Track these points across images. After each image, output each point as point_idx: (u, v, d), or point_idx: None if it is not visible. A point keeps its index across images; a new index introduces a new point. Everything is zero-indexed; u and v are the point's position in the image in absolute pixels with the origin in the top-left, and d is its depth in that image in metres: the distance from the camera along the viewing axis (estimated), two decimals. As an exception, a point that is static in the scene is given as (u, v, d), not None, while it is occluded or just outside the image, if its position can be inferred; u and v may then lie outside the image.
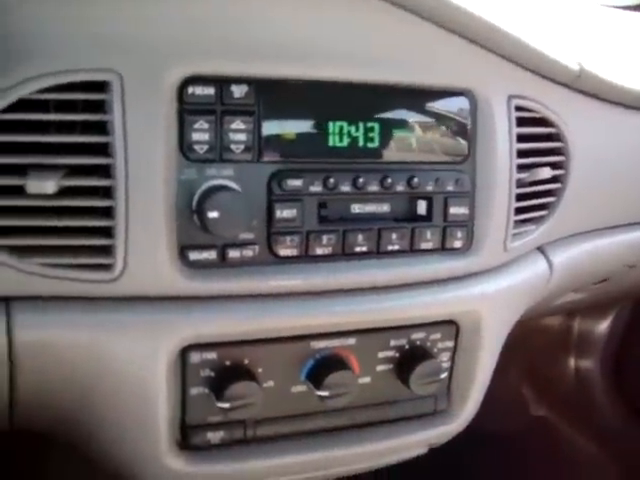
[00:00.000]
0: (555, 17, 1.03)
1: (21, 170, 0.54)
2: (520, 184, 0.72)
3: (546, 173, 0.74)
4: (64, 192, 0.55)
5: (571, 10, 1.14)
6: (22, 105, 0.53)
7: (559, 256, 0.83)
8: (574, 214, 0.82)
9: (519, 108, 0.71)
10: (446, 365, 0.73)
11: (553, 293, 0.89)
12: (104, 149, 0.56)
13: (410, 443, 0.74)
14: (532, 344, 1.54)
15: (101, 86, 0.55)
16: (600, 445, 1.46)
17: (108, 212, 0.56)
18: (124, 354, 0.59)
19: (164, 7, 0.57)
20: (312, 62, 0.61)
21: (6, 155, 0.54)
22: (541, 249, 0.81)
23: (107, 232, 0.57)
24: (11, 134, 0.54)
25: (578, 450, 1.47)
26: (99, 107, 0.55)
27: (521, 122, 0.72)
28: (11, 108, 0.53)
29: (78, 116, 0.55)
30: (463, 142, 0.68)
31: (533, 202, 0.75)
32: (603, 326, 1.51)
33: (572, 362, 1.55)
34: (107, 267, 0.57)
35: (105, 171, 0.56)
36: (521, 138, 0.72)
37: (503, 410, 1.49)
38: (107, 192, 0.56)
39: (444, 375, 0.72)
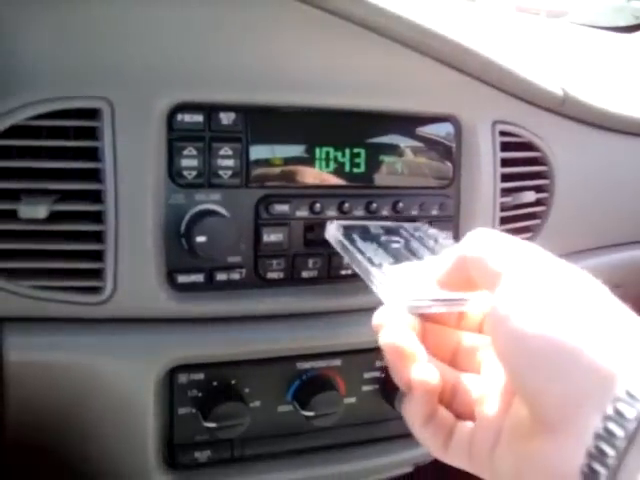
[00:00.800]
0: (540, 40, 1.05)
1: (13, 195, 0.55)
2: (504, 207, 0.74)
3: (530, 197, 0.75)
4: (55, 216, 0.56)
5: (556, 32, 1.16)
6: (15, 131, 0.55)
7: (544, 277, 0.84)
8: (559, 236, 0.83)
9: (503, 133, 0.73)
10: (431, 385, 0.74)
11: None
12: (95, 175, 0.57)
13: (396, 462, 0.75)
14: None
15: (92, 113, 0.57)
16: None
17: (98, 236, 0.58)
18: (113, 374, 0.60)
19: (154, 37, 0.58)
20: (298, 90, 0.63)
21: (0, 180, 0.55)
22: (526, 271, 0.82)
23: (97, 256, 0.58)
24: (4, 160, 0.55)
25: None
26: (90, 134, 0.57)
27: (506, 147, 0.73)
28: (4, 134, 0.55)
29: (70, 142, 0.57)
30: (448, 167, 0.70)
31: (517, 225, 0.76)
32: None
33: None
34: (97, 290, 0.58)
35: (95, 196, 0.57)
36: (505, 162, 0.73)
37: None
38: (97, 216, 0.57)
39: (429, 395, 0.73)
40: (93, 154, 0.57)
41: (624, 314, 0.34)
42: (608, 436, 0.30)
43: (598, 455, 0.30)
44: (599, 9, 1.57)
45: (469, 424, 0.40)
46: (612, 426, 0.30)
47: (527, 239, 0.78)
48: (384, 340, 0.42)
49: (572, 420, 0.32)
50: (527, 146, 0.76)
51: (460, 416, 0.41)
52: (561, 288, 0.36)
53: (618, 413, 0.30)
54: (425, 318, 0.44)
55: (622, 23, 1.32)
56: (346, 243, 0.56)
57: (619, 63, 1.09)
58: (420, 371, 0.40)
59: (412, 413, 0.41)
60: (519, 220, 0.77)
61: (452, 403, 0.42)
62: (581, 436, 0.31)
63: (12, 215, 0.55)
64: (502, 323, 0.36)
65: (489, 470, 0.39)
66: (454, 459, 0.41)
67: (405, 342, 0.41)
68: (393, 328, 0.42)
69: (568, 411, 0.32)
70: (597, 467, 0.30)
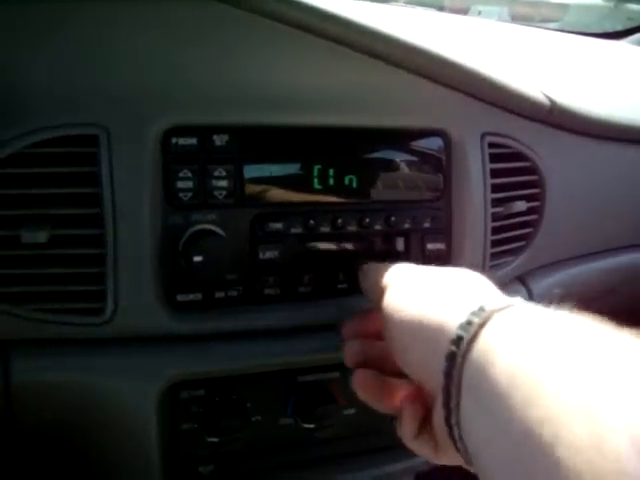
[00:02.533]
0: (528, 48, 1.06)
1: (14, 221, 0.57)
2: (496, 217, 0.75)
3: (521, 206, 0.76)
4: (56, 241, 0.58)
5: (544, 40, 1.17)
6: (15, 159, 0.57)
7: (539, 285, 0.85)
8: (552, 243, 0.84)
9: (493, 145, 0.74)
10: (429, 395, 0.75)
11: (536, 319, 0.91)
12: (93, 199, 0.59)
13: (397, 470, 0.76)
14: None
15: (89, 140, 0.58)
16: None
17: (98, 259, 0.59)
18: (116, 393, 0.62)
19: (146, 64, 0.60)
20: (289, 110, 0.64)
21: (1, 208, 0.57)
22: (521, 279, 0.84)
23: (97, 278, 0.59)
24: (5, 188, 0.57)
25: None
26: (87, 159, 0.59)
27: (495, 158, 0.74)
28: (4, 163, 0.56)
29: (68, 169, 0.58)
30: (438, 180, 0.71)
31: (510, 234, 0.78)
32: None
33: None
34: (98, 311, 0.60)
35: (94, 220, 0.59)
36: (496, 173, 0.74)
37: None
38: (97, 240, 0.59)
39: (427, 404, 0.75)
40: (91, 179, 0.59)
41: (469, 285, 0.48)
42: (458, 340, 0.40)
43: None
44: (588, 15, 1.59)
45: None
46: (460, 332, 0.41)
47: (520, 247, 0.80)
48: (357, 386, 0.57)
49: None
50: (517, 156, 0.77)
51: None
52: (423, 285, 0.50)
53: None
54: None
55: (610, 29, 1.33)
56: None
57: (609, 69, 1.10)
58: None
59: (403, 431, 0.52)
60: (511, 229, 0.78)
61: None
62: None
63: (14, 241, 0.56)
64: (386, 321, 0.51)
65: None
66: (447, 459, 0.49)
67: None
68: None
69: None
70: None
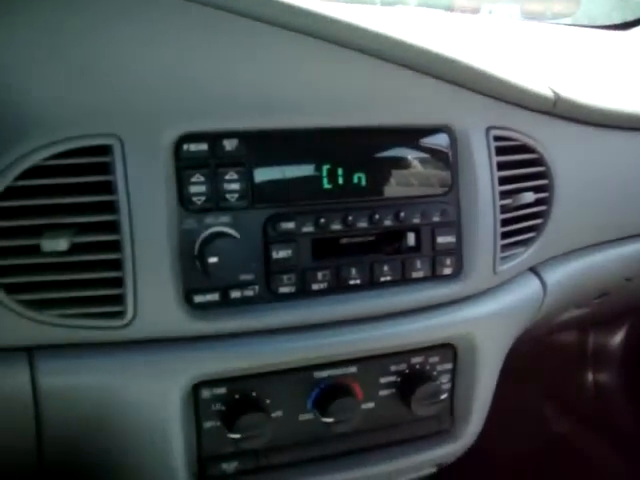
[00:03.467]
0: (532, 41, 1.07)
1: (36, 230, 0.59)
2: (505, 209, 0.76)
3: (530, 197, 0.78)
4: (76, 248, 0.60)
5: (554, 35, 1.18)
6: (34, 171, 0.59)
7: (553, 275, 0.86)
8: (564, 233, 0.85)
9: (498, 138, 0.75)
10: (446, 386, 0.76)
11: (552, 310, 0.92)
12: (110, 207, 0.61)
13: (417, 463, 0.77)
14: (549, 362, 1.56)
15: (104, 150, 0.61)
16: (624, 458, 1.46)
17: (117, 264, 0.61)
18: (139, 394, 0.64)
19: (157, 75, 0.62)
20: (297, 113, 0.66)
21: (22, 218, 0.59)
22: (534, 269, 0.85)
23: (117, 282, 0.62)
24: (26, 199, 0.59)
25: (601, 465, 1.47)
26: (103, 168, 0.61)
27: (502, 151, 0.76)
28: (25, 175, 0.59)
29: (85, 178, 0.60)
30: (446, 175, 0.73)
31: (520, 225, 0.79)
32: (618, 339, 1.52)
33: (590, 376, 1.56)
34: (119, 314, 0.62)
35: (112, 226, 0.61)
36: (502, 166, 0.75)
37: (524, 428, 1.50)
38: (115, 245, 0.61)
39: (444, 396, 0.76)
40: (107, 187, 0.61)
41: None
42: None
43: None
44: (598, 8, 1.60)
45: None
46: None
47: (531, 238, 0.81)
48: None
49: None
50: (523, 149, 0.78)
51: None
52: None
53: None
54: None
55: (617, 20, 1.34)
56: None
57: (616, 60, 1.11)
58: None
59: None
60: (521, 221, 0.79)
61: None
62: None
63: (35, 249, 0.59)
64: None
65: None
66: None
67: None
68: None
69: None
70: None
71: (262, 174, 0.65)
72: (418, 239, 0.72)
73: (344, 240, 0.69)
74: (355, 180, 0.69)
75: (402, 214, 0.70)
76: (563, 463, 1.47)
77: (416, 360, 0.74)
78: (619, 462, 1.47)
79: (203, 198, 0.63)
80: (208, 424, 0.67)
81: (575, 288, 0.91)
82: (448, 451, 0.78)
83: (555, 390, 1.57)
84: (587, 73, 0.95)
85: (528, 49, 1.03)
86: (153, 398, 0.64)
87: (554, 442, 1.53)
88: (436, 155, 0.72)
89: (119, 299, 0.62)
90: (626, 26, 1.35)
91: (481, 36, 1.08)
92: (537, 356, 1.51)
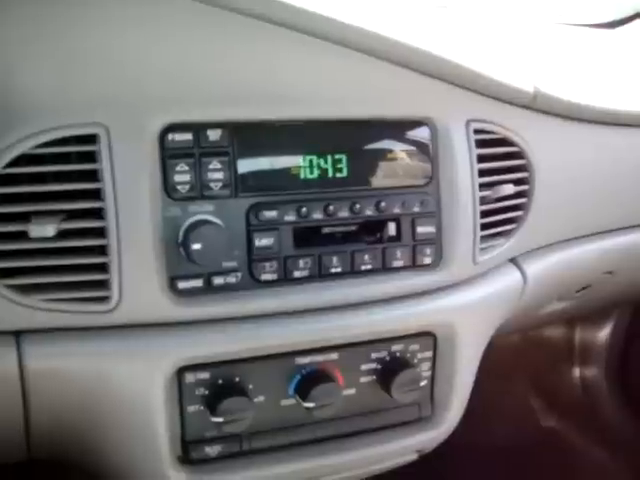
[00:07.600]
0: (518, 37, 1.09)
1: (23, 216, 0.61)
2: (485, 201, 0.78)
3: (509, 189, 0.79)
4: (62, 234, 0.62)
5: (540, 29, 1.20)
6: (22, 160, 0.61)
7: (533, 266, 0.88)
8: (544, 226, 0.87)
9: (478, 131, 0.77)
10: (426, 374, 0.78)
11: (534, 302, 0.94)
12: (96, 194, 0.62)
13: (397, 450, 0.79)
14: (536, 356, 1.58)
15: (90, 139, 0.62)
16: (609, 453, 1.48)
17: (102, 250, 0.63)
18: (123, 378, 0.66)
19: (143, 65, 0.63)
20: (280, 105, 0.68)
21: (10, 204, 0.61)
22: (514, 261, 0.86)
23: (102, 268, 0.63)
24: (14, 186, 0.61)
25: (587, 459, 1.49)
26: (90, 157, 0.62)
27: (482, 143, 0.77)
28: (13, 163, 0.60)
29: (71, 166, 0.62)
30: (426, 166, 0.74)
31: (500, 217, 0.80)
32: (604, 333, 1.54)
33: (577, 371, 1.58)
34: (104, 299, 0.64)
35: (98, 213, 0.63)
36: (482, 158, 0.77)
37: (511, 422, 1.52)
38: (101, 232, 0.63)
39: (424, 383, 0.77)
40: (94, 175, 0.62)
41: None
42: None
43: None
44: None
45: None
46: None
47: (511, 230, 0.83)
48: None
49: None
50: (503, 141, 0.80)
51: None
52: None
53: None
54: None
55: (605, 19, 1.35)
56: None
57: (599, 58, 1.12)
58: None
59: None
60: (501, 212, 0.81)
61: None
62: None
63: (23, 235, 0.60)
64: None
65: None
66: None
67: None
68: None
69: None
70: None
71: (245, 164, 0.67)
72: (398, 229, 0.73)
73: (326, 229, 0.71)
74: (336, 171, 0.70)
75: (383, 204, 0.72)
76: (548, 457, 1.49)
77: (396, 348, 0.76)
78: (604, 455, 1.49)
79: (187, 187, 0.65)
80: (192, 408, 0.69)
81: (556, 279, 0.93)
82: (429, 438, 0.80)
83: (542, 384, 1.59)
84: (568, 69, 0.97)
85: (513, 45, 1.05)
86: (137, 382, 0.66)
87: (540, 435, 1.55)
88: (417, 147, 0.74)
89: (105, 284, 0.63)
90: (613, 25, 1.37)
91: (465, 31, 1.09)
92: (524, 350, 1.54)
